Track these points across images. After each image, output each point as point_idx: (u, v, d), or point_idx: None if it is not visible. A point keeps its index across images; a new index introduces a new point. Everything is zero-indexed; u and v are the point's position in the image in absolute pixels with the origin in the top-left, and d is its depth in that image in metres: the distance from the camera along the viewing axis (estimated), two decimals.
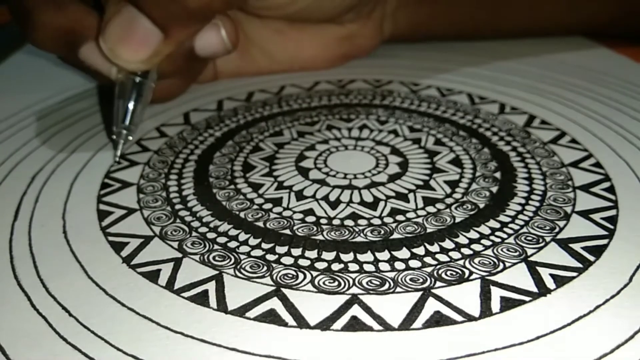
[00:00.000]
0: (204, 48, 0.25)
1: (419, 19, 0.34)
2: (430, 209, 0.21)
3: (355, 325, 0.15)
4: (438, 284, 0.17)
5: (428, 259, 0.18)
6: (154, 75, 0.24)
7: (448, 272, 0.17)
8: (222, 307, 0.16)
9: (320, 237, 0.19)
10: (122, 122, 0.23)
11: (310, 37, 0.32)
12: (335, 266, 0.18)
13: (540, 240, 0.19)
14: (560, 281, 0.17)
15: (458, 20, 0.35)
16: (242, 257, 0.18)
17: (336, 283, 0.17)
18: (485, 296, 0.16)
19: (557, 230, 0.19)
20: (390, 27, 0.34)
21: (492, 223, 0.20)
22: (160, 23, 0.22)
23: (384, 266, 0.18)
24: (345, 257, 0.18)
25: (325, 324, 0.15)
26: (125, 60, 0.22)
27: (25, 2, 0.22)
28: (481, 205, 0.21)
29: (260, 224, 0.20)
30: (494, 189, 0.22)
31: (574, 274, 0.17)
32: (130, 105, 0.23)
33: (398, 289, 0.17)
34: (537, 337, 0.15)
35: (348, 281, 0.17)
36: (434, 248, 0.18)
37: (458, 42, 0.38)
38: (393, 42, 0.36)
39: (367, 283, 0.17)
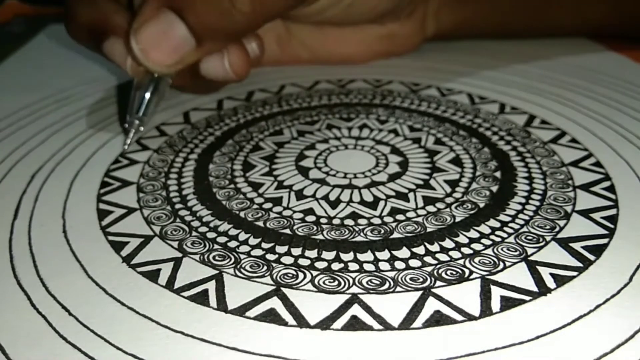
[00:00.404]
0: (207, 71, 0.25)
1: (463, 18, 0.35)
2: (431, 208, 0.21)
3: (355, 324, 0.15)
4: (438, 283, 0.17)
5: (428, 259, 0.18)
6: (166, 80, 0.25)
7: (448, 272, 0.17)
8: (222, 306, 0.16)
9: (320, 237, 0.19)
10: (136, 112, 0.24)
11: (351, 35, 0.33)
12: (335, 266, 0.18)
13: (541, 240, 0.19)
14: (560, 280, 0.17)
15: (500, 20, 0.35)
16: (242, 256, 0.18)
17: (336, 282, 0.17)
18: (485, 295, 0.16)
19: (557, 229, 0.19)
20: (433, 26, 0.35)
21: (492, 222, 0.20)
22: (198, 33, 0.22)
23: (384, 266, 0.18)
24: (345, 257, 0.18)
25: (325, 324, 0.15)
26: (155, 63, 0.23)
27: None
28: (481, 205, 0.21)
29: (260, 223, 0.20)
30: (494, 189, 0.22)
31: (574, 273, 0.17)
32: (146, 97, 0.24)
33: (398, 289, 0.17)
34: (537, 337, 0.15)
35: (348, 281, 0.17)
36: (434, 247, 0.18)
37: (495, 40, 0.38)
38: (436, 41, 0.36)
39: (367, 282, 0.17)
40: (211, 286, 0.17)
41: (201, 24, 0.22)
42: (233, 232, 0.19)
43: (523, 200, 0.21)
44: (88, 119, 0.28)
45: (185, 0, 0.22)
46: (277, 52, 0.33)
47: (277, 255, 0.18)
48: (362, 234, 0.19)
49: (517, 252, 0.18)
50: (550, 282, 0.17)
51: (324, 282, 0.17)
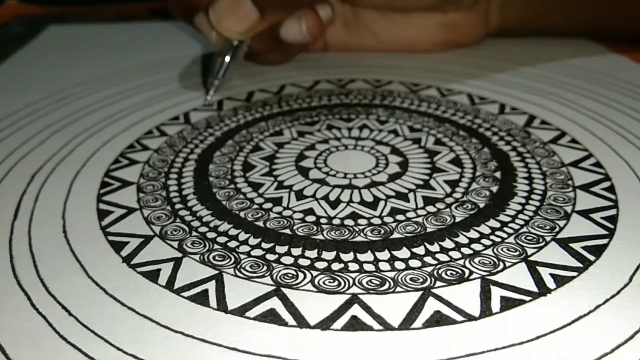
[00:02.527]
0: (286, 35, 0.30)
1: (527, 15, 0.36)
2: (431, 208, 0.21)
3: (355, 324, 0.15)
4: (438, 283, 0.17)
5: (428, 259, 0.18)
6: (245, 45, 0.30)
7: (448, 272, 0.17)
8: (222, 306, 0.16)
9: (320, 237, 0.19)
10: (217, 73, 0.30)
11: (414, 22, 0.35)
12: (335, 266, 0.18)
13: (541, 240, 0.19)
14: (560, 281, 0.17)
15: (564, 19, 0.36)
16: (242, 256, 0.18)
17: (336, 283, 0.17)
18: (485, 296, 0.16)
19: (557, 229, 0.19)
20: (497, 21, 0.36)
21: (492, 222, 0.20)
22: (259, 6, 0.27)
23: (384, 266, 0.18)
24: (345, 257, 0.18)
25: (325, 324, 0.15)
26: (227, 29, 0.28)
27: None
28: (481, 205, 0.21)
29: (260, 223, 0.20)
30: (494, 189, 0.22)
31: (574, 273, 0.17)
32: (226, 61, 0.29)
33: (398, 289, 0.17)
34: (537, 337, 0.15)
35: (348, 281, 0.17)
36: (434, 248, 0.18)
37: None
38: (502, 37, 0.37)
39: (367, 283, 0.17)
40: (211, 286, 0.17)
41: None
42: (233, 232, 0.19)
43: (523, 201, 0.21)
44: (88, 119, 0.28)
45: None
46: (344, 36, 0.35)
47: (277, 256, 0.18)
48: (362, 234, 0.19)
49: (517, 253, 0.18)
50: (550, 283, 0.17)
51: (324, 282, 0.17)
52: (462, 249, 0.18)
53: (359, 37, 0.36)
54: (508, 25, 0.36)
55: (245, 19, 0.27)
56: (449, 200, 0.21)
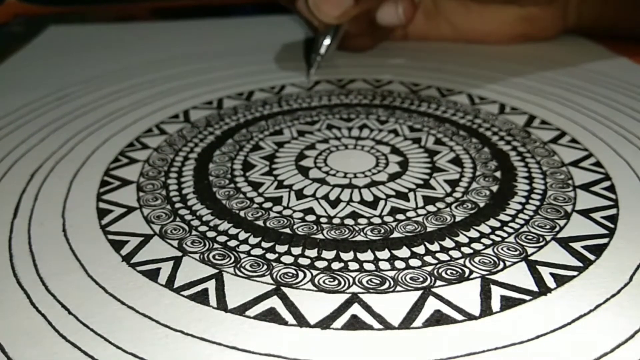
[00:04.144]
0: (382, 19, 0.32)
1: (604, 15, 0.36)
2: (431, 207, 0.20)
3: (355, 324, 0.15)
4: (438, 282, 0.17)
5: (428, 258, 0.18)
6: (342, 29, 0.32)
7: (448, 271, 0.17)
8: (222, 305, 0.16)
9: (320, 236, 0.19)
10: (318, 51, 0.32)
11: (492, 13, 0.36)
12: (335, 265, 0.18)
13: (541, 239, 0.19)
14: (560, 280, 0.17)
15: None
16: (242, 255, 0.18)
17: (336, 282, 0.17)
18: (485, 295, 0.16)
19: (557, 229, 0.19)
20: (574, 18, 0.37)
21: (493, 222, 0.20)
22: None
23: (384, 265, 0.18)
24: (345, 256, 0.18)
25: (325, 323, 0.15)
26: (325, 13, 0.30)
27: None
28: (481, 204, 0.21)
29: (260, 222, 0.20)
30: (494, 188, 0.22)
31: (575, 273, 0.17)
32: (327, 41, 0.32)
33: (398, 288, 0.17)
34: (538, 336, 0.15)
35: (348, 280, 0.17)
36: (434, 247, 0.18)
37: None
38: (577, 34, 0.38)
39: (367, 282, 0.17)
40: (211, 285, 0.17)
41: None
42: (233, 231, 0.19)
43: (523, 200, 0.21)
44: (88, 117, 0.28)
45: None
46: (424, 26, 0.37)
47: (277, 255, 0.18)
48: (362, 233, 0.19)
49: (517, 252, 0.18)
50: (550, 282, 0.17)
51: (324, 282, 0.17)
52: (462, 248, 0.18)
53: (437, 27, 0.37)
54: (585, 23, 0.36)
55: (340, 4, 0.29)
56: (449, 199, 0.21)
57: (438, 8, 0.37)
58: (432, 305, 0.16)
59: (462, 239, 0.19)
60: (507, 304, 0.16)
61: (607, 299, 0.16)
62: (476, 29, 0.37)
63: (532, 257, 0.18)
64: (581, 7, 0.36)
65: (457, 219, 0.20)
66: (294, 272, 0.17)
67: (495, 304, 0.16)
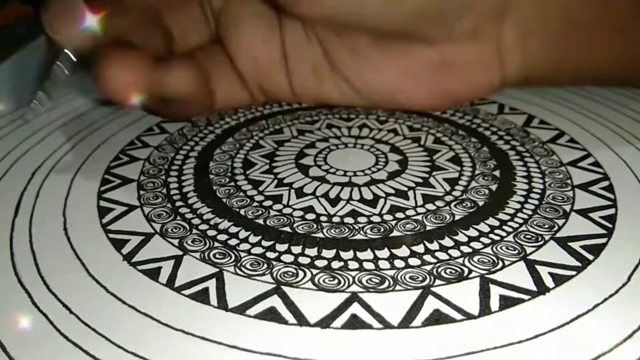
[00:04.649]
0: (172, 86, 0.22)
1: (566, 51, 0.23)
2: (430, 206, 0.21)
3: (355, 323, 0.15)
4: (437, 282, 0.17)
5: (427, 257, 0.18)
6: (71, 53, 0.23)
7: (447, 270, 0.17)
8: (222, 304, 0.16)
9: (320, 235, 0.19)
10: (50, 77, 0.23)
11: (393, 59, 0.24)
12: (335, 264, 0.18)
13: (540, 239, 0.19)
14: (559, 280, 0.17)
15: (623, 58, 0.24)
16: (243, 254, 0.18)
17: (336, 281, 0.17)
18: (484, 294, 0.16)
19: (556, 228, 0.19)
20: (517, 60, 0.23)
21: (492, 221, 0.20)
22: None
23: (383, 264, 0.18)
24: (345, 255, 0.18)
25: (325, 322, 0.15)
26: (55, 30, 0.21)
27: None
28: (480, 203, 0.21)
29: (261, 221, 0.20)
30: (493, 187, 0.22)
31: (573, 272, 0.17)
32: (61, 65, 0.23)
33: (398, 287, 0.17)
34: (536, 336, 0.15)
35: (348, 279, 0.17)
36: (434, 246, 0.18)
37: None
38: (528, 87, 0.26)
39: (366, 281, 0.17)
40: (211, 284, 0.17)
41: None
42: (233, 229, 0.19)
43: (522, 199, 0.21)
44: (88, 116, 0.28)
45: None
46: (313, 84, 0.26)
47: (277, 254, 0.18)
48: (361, 232, 0.19)
49: (516, 251, 0.18)
50: (549, 281, 0.17)
51: (324, 281, 0.17)
52: (462, 248, 0.18)
53: (331, 89, 0.26)
54: (535, 68, 0.23)
55: (72, 20, 0.20)
56: (448, 198, 0.21)
57: (330, 59, 0.25)
58: (431, 304, 0.16)
59: (461, 237, 0.19)
60: (506, 303, 0.16)
61: (606, 299, 0.16)
62: (376, 87, 0.25)
63: (530, 257, 0.18)
64: (525, 42, 0.22)
65: (457, 217, 0.20)
66: (294, 271, 0.17)
67: (494, 303, 0.16)
